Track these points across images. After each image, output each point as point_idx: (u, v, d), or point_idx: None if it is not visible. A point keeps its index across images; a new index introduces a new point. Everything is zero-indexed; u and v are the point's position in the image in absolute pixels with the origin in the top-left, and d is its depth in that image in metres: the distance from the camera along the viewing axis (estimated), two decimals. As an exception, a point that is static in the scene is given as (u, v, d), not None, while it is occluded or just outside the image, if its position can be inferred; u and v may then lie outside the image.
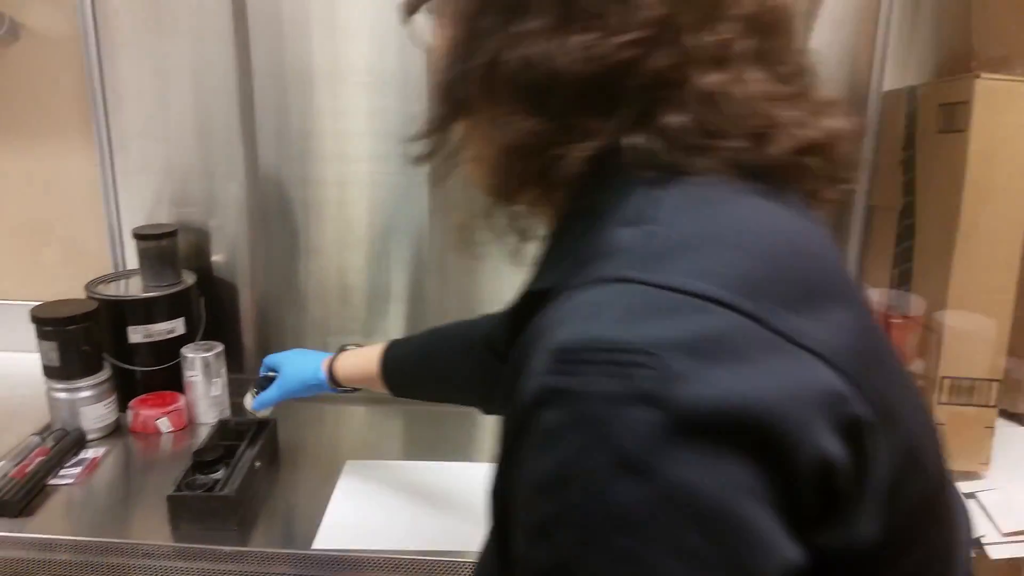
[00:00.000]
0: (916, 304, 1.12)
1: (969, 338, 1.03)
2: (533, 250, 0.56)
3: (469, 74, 0.52)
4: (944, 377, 1.04)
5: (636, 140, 0.48)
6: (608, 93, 0.48)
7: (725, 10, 0.48)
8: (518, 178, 0.53)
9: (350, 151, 1.34)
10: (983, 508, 1.01)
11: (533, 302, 0.49)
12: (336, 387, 1.04)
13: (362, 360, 1.02)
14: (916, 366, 1.11)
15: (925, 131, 1.12)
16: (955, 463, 1.02)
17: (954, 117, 1.02)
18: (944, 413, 1.05)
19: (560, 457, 0.39)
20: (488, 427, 1.23)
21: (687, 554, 0.37)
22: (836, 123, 0.51)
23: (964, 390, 1.04)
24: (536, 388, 0.41)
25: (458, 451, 1.18)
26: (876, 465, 0.41)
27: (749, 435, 0.38)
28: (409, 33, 0.57)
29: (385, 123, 1.31)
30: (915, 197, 1.14)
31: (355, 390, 1.05)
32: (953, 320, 1.04)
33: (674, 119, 0.47)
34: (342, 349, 1.06)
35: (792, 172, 0.49)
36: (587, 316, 0.42)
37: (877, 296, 1.24)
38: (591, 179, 0.50)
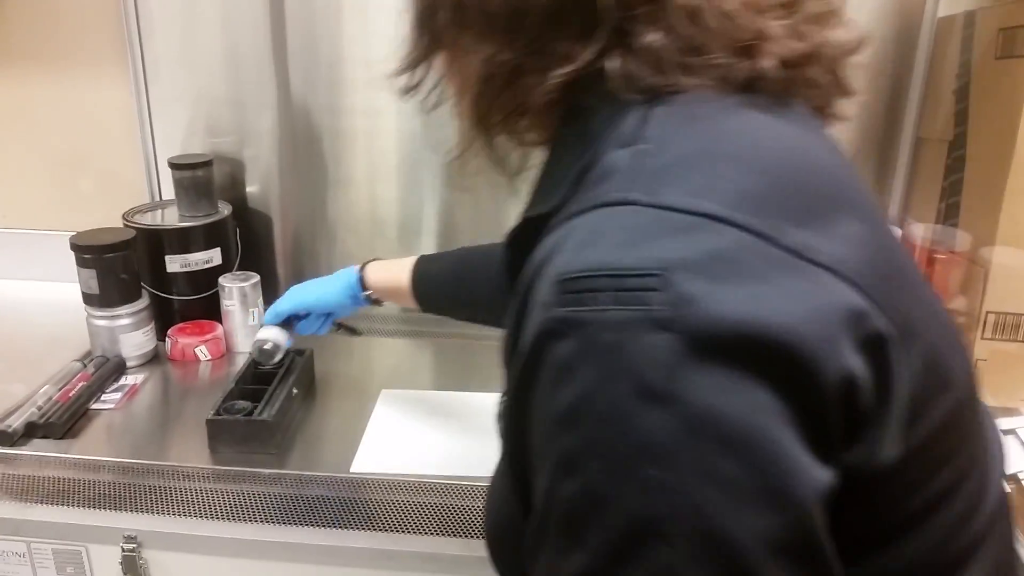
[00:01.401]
0: (962, 239, 1.08)
1: (1016, 274, 1.01)
2: (528, 178, 0.55)
3: (440, 5, 0.51)
4: (988, 312, 1.02)
5: (616, 63, 0.45)
6: (582, 15, 0.45)
7: None
8: (498, 108, 0.52)
9: (380, 79, 1.31)
10: (1023, 443, 1.00)
11: (530, 228, 0.49)
12: (365, 293, 1.01)
13: (392, 272, 1.00)
14: (959, 302, 1.08)
15: (982, 57, 1.07)
16: (997, 399, 1.02)
17: (1015, 41, 0.97)
18: (987, 349, 1.02)
19: (578, 390, 0.38)
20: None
21: (719, 480, 0.36)
22: (835, 33, 0.48)
23: (1009, 326, 1.02)
24: (544, 319, 0.40)
25: (488, 382, 1.18)
26: (898, 381, 0.40)
27: (770, 357, 0.36)
28: None
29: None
30: (967, 127, 1.09)
31: (379, 303, 1.03)
32: (1001, 256, 1.01)
33: (654, 38, 0.45)
34: (366, 264, 1.04)
35: (790, 85, 0.47)
36: (589, 241, 0.40)
37: (922, 231, 1.21)
38: (578, 104, 0.48)
